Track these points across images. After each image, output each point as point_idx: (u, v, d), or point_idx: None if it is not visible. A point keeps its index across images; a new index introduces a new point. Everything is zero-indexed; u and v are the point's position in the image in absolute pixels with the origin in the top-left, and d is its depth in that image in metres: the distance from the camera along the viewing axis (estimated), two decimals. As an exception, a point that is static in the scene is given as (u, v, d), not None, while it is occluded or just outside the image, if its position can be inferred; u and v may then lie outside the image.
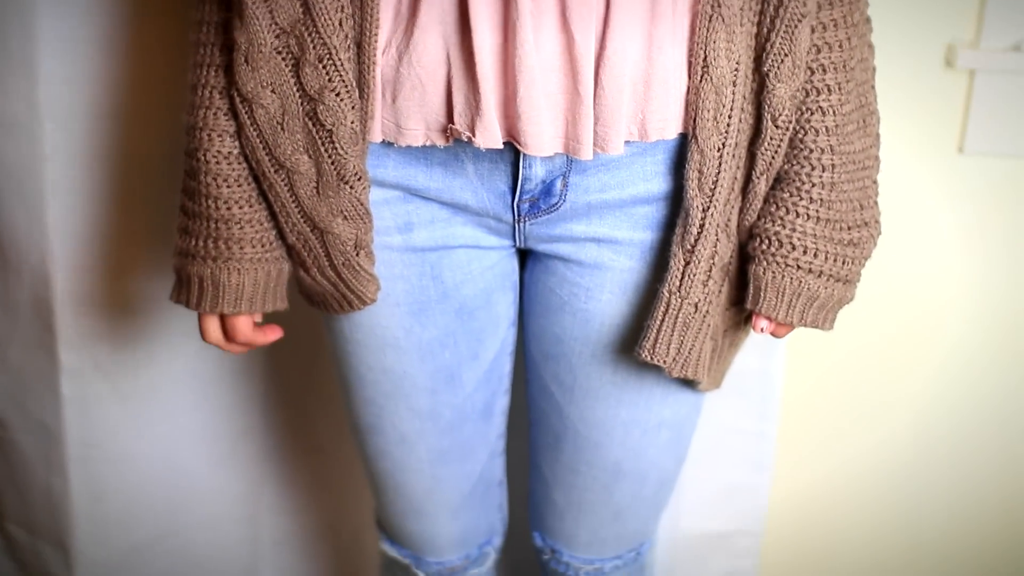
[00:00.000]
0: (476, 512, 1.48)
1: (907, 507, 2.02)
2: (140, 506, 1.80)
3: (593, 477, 1.40)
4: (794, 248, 1.20)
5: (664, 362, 1.24)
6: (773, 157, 1.19)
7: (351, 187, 1.20)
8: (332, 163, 1.18)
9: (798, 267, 1.20)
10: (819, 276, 1.21)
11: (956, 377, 1.90)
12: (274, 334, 1.33)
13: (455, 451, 1.40)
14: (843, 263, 1.21)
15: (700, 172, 1.18)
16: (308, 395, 1.79)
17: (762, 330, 1.24)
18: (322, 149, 1.18)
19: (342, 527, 1.86)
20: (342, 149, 1.17)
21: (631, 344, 1.27)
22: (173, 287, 1.29)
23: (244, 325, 1.29)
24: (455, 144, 1.19)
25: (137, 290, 1.66)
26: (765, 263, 1.21)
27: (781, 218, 1.20)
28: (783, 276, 1.20)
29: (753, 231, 1.22)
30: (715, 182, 1.18)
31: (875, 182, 1.23)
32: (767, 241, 1.21)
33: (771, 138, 1.18)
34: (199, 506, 1.84)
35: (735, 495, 1.89)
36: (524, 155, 1.19)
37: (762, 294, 1.22)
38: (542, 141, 1.14)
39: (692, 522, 1.88)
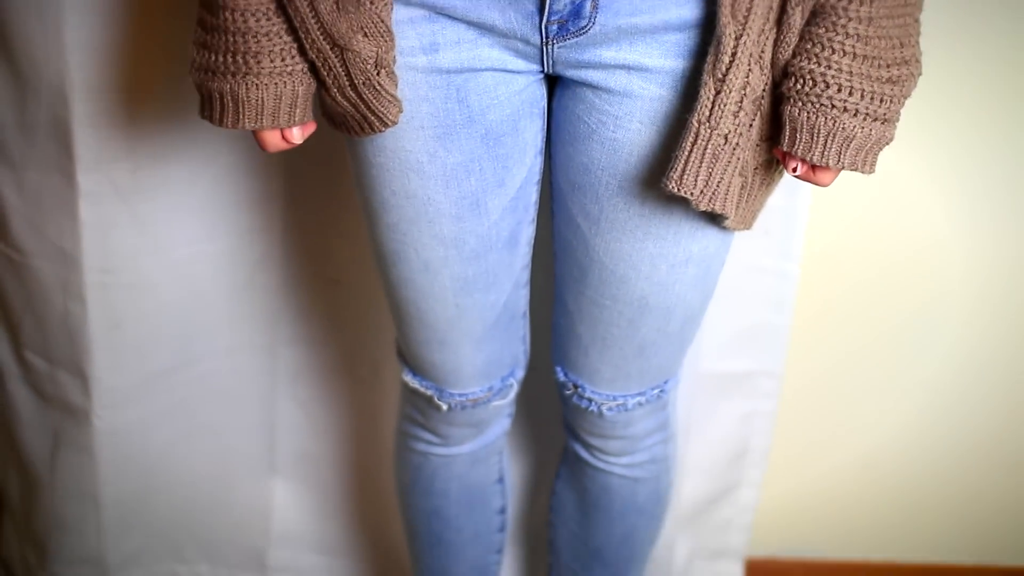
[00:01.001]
0: (499, 343, 1.47)
1: (923, 349, 2.01)
2: (158, 334, 1.79)
3: (618, 312, 1.38)
4: (828, 86, 1.15)
5: (691, 194, 1.21)
6: None
7: (371, 2, 1.16)
8: None
9: (833, 106, 1.15)
10: (855, 115, 1.16)
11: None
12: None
13: (479, 280, 1.39)
14: (881, 102, 1.16)
15: None
16: (327, 227, 1.77)
17: (795, 171, 1.21)
18: None
19: (361, 360, 1.85)
20: None
21: (659, 176, 1.25)
22: (199, 104, 1.26)
23: (272, 139, 1.26)
24: None
25: (157, 112, 1.63)
26: (800, 103, 1.17)
27: (816, 55, 1.15)
28: (818, 116, 1.16)
29: (788, 69, 1.18)
30: (748, 9, 1.14)
31: (917, 21, 1.18)
32: (801, 79, 1.16)
33: None
34: (217, 335, 1.84)
35: (756, 335, 1.88)
36: None
37: (797, 135, 1.18)
38: None
39: (712, 362, 1.87)
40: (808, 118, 1.17)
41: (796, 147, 1.18)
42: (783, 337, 1.89)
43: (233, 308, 1.82)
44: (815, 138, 1.17)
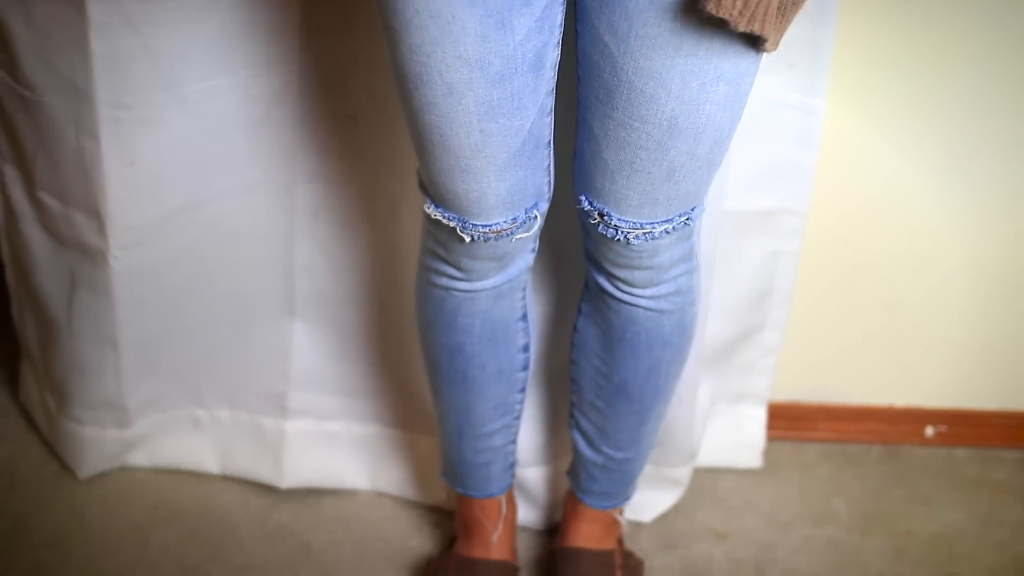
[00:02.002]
0: (524, 172, 1.43)
1: (949, 192, 1.99)
2: (173, 171, 1.77)
3: (647, 134, 1.35)
4: None
5: (730, 15, 1.18)
6: None
7: None
8: None
9: None
10: None
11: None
12: None
13: (504, 104, 1.35)
14: None
15: None
16: (344, 61, 1.73)
17: None
18: None
19: (379, 198, 1.83)
20: None
21: None
22: None
23: None
24: None
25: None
26: None
27: None
28: None
29: None
30: None
31: None
32: None
33: None
34: (233, 172, 1.81)
35: (781, 172, 1.85)
36: None
37: None
38: None
39: (735, 200, 1.85)
40: None
41: None
42: (808, 174, 1.86)
43: (249, 145, 1.79)
44: None
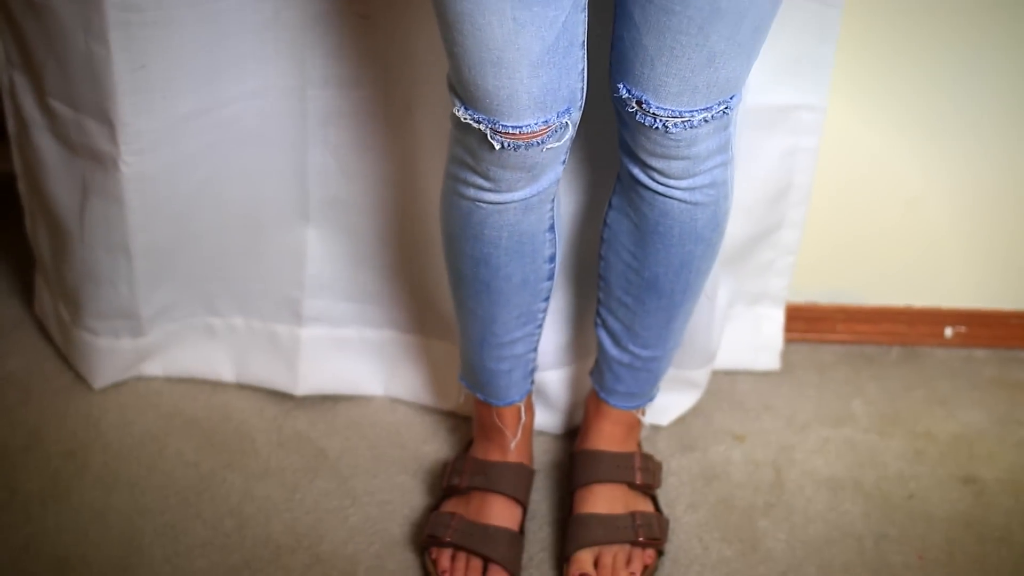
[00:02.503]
0: (557, 71, 1.40)
1: (971, 85, 1.96)
2: (184, 75, 1.75)
3: (688, 18, 1.34)
4: None
5: None
6: None
7: None
8: None
9: None
10: None
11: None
12: None
13: None
14: None
15: None
16: (355, -42, 1.71)
17: None
18: None
19: (392, 102, 1.81)
20: None
21: None
22: None
23: None
24: None
25: None
26: None
27: None
28: None
29: None
30: None
31: None
32: None
33: None
34: (244, 76, 1.79)
35: (798, 67, 1.83)
36: None
37: None
38: None
39: (753, 95, 1.82)
40: None
41: None
42: (827, 69, 1.84)
43: (259, 47, 1.77)
44: None
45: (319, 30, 1.76)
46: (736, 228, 1.94)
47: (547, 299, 1.70)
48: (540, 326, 1.73)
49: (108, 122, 1.76)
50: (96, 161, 1.82)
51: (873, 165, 2.03)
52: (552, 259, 1.64)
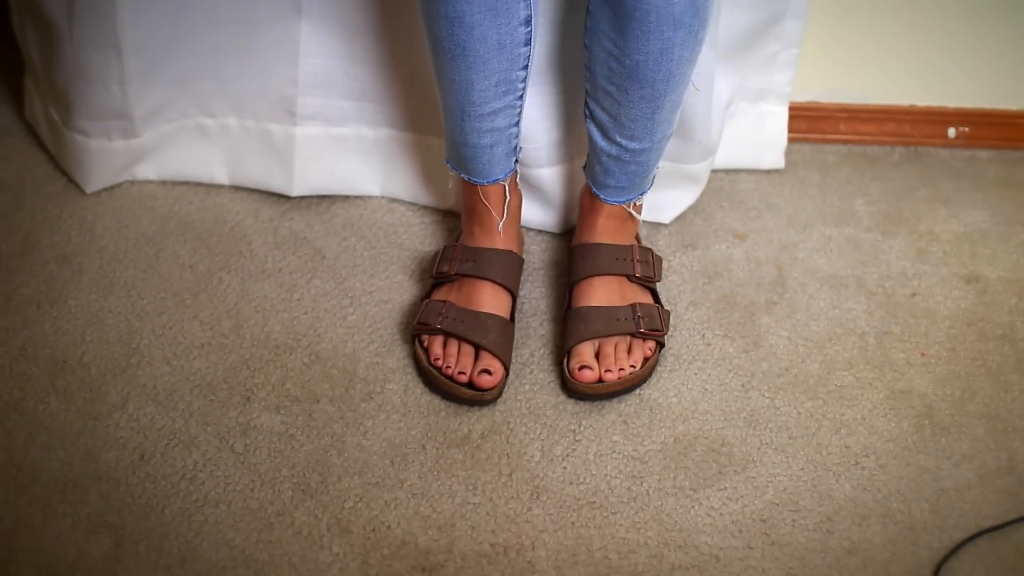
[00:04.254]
0: None
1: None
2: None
3: None
4: None
5: None
6: None
7: None
8: None
9: None
10: None
11: None
12: None
13: None
14: None
15: None
16: None
17: None
18: None
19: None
20: None
21: None
22: None
23: None
24: None
25: None
26: None
27: None
28: None
29: None
30: None
31: None
32: None
33: None
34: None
35: None
36: None
37: None
38: None
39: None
40: None
41: None
42: None
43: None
44: None
45: None
46: (737, 16, 1.90)
47: (526, 68, 1.66)
48: (520, 98, 1.70)
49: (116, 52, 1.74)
50: (84, -48, 1.78)
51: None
52: (528, 22, 1.61)
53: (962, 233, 2.02)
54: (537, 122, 1.86)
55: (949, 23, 2.05)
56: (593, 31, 1.62)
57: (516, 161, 1.79)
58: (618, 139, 1.70)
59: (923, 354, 1.82)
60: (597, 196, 1.78)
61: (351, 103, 1.97)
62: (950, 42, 2.07)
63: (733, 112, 2.03)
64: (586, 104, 1.71)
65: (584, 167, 1.80)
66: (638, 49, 1.58)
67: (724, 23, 1.85)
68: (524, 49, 1.63)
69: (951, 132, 2.16)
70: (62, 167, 2.06)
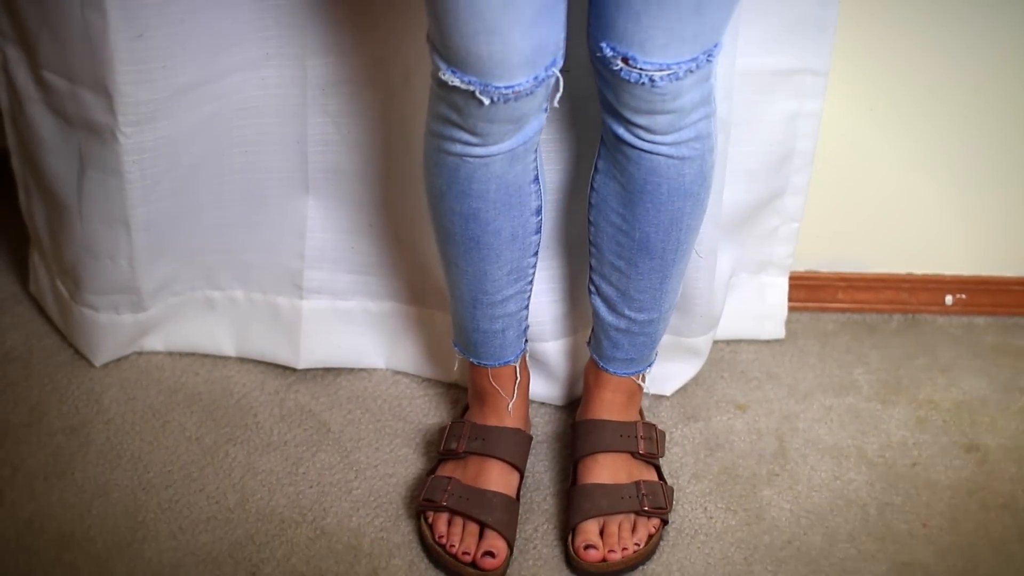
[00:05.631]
0: (546, 28, 1.41)
1: (973, 47, 1.96)
2: (183, 44, 1.74)
3: None
4: None
5: None
6: None
7: None
8: None
9: None
10: None
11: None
12: None
13: None
14: None
15: None
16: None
17: None
18: None
19: (391, 68, 1.80)
20: None
21: None
22: None
23: None
24: None
25: None
26: None
27: None
28: None
29: None
30: None
31: None
32: None
33: None
34: (244, 45, 1.78)
35: (801, 29, 1.82)
36: None
37: None
38: None
39: (756, 59, 1.82)
40: None
41: None
42: (830, 32, 1.83)
43: (259, 17, 1.76)
44: None
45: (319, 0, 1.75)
46: (739, 194, 1.94)
47: (536, 254, 1.69)
48: (531, 282, 1.72)
49: (105, 93, 1.75)
50: (93, 133, 1.81)
51: (874, 131, 2.03)
52: (539, 211, 1.64)
53: (961, 401, 2.03)
54: (541, 295, 1.88)
55: (942, 193, 2.09)
56: (599, 207, 1.64)
57: (526, 341, 1.81)
58: (627, 312, 1.72)
59: (925, 525, 1.83)
60: (605, 370, 1.80)
61: (357, 277, 1.99)
62: (944, 211, 2.10)
63: (734, 283, 2.06)
64: (590, 280, 1.73)
65: (588, 342, 1.82)
66: (648, 221, 1.61)
67: (727, 199, 1.89)
68: (535, 237, 1.67)
69: (948, 299, 2.18)
70: (69, 339, 2.08)
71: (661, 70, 1.42)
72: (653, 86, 1.44)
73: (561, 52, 1.47)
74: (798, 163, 1.96)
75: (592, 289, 1.74)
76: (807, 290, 2.17)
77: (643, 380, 1.83)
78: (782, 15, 1.80)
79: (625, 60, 1.43)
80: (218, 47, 1.76)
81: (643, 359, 1.80)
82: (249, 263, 2.00)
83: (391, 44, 1.77)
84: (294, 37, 1.78)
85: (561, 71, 1.48)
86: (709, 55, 1.44)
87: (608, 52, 1.44)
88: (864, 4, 1.89)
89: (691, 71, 1.44)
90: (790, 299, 2.14)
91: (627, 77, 1.44)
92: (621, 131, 1.53)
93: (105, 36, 1.69)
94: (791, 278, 2.13)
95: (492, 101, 1.44)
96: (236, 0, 1.73)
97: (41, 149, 1.90)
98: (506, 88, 1.43)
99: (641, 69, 1.42)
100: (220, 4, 1.73)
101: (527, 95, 1.45)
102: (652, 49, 1.41)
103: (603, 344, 1.78)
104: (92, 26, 1.69)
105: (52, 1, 1.71)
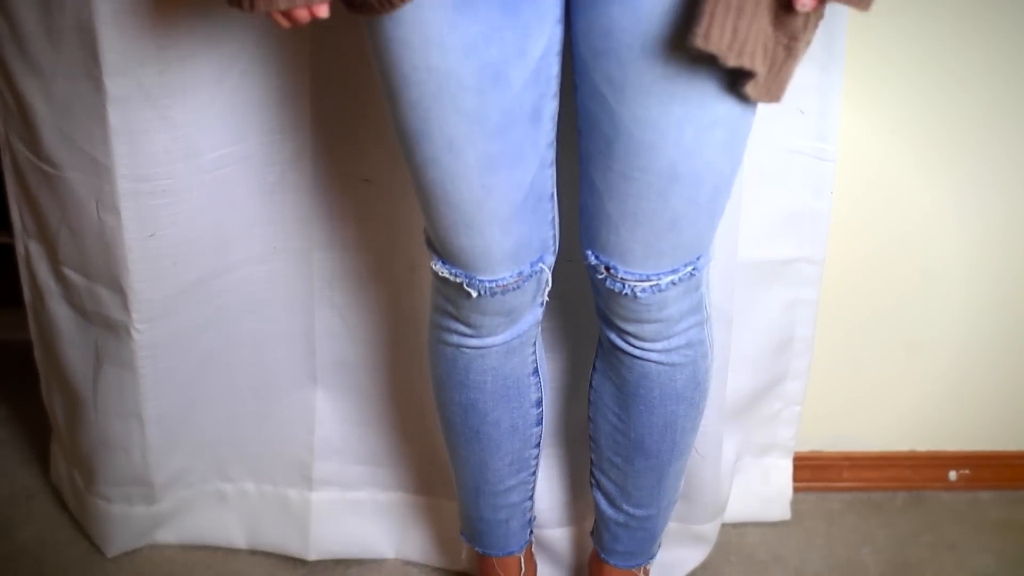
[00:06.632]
0: (527, 226, 1.45)
1: (965, 232, 2.00)
2: (193, 241, 1.79)
3: (647, 183, 1.37)
4: None
5: (719, 49, 1.20)
6: None
7: None
8: None
9: None
10: None
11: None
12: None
13: (504, 157, 1.37)
14: None
15: None
16: (356, 124, 1.76)
17: (803, 6, 1.20)
18: None
19: (396, 261, 1.85)
20: None
21: (683, 35, 1.23)
22: None
23: (300, 14, 1.27)
24: None
25: (179, 10, 1.62)
26: None
27: None
28: None
29: None
30: None
31: None
32: None
33: None
34: (251, 241, 1.84)
35: (796, 220, 1.87)
36: None
37: None
38: None
39: (752, 250, 1.86)
40: None
41: None
42: (824, 222, 1.87)
43: (265, 212, 1.82)
44: None
45: (323, 193, 1.81)
46: (741, 381, 1.97)
47: (538, 445, 1.71)
48: (534, 473, 1.74)
49: (120, 290, 1.80)
50: (109, 329, 1.86)
51: (870, 314, 2.07)
52: (539, 403, 1.67)
53: (970, 580, 2.04)
54: (546, 481, 1.90)
55: (942, 369, 2.11)
56: (597, 405, 1.67)
57: (531, 533, 1.82)
58: (625, 507, 1.72)
59: None
60: (606, 561, 1.80)
61: (365, 467, 2.02)
62: (945, 387, 2.12)
63: (739, 467, 2.08)
64: (592, 473, 1.75)
65: (592, 533, 1.83)
66: (643, 423, 1.62)
67: (729, 387, 1.92)
68: (536, 429, 1.69)
69: (952, 475, 2.19)
70: (84, 529, 2.11)
71: (642, 281, 1.46)
72: (635, 297, 1.47)
73: (551, 249, 1.51)
74: (798, 348, 1.99)
75: (593, 482, 1.75)
76: (812, 470, 2.18)
77: (647, 573, 1.83)
78: (778, 207, 1.85)
79: (608, 269, 1.47)
80: (227, 242, 1.82)
81: (644, 553, 1.80)
82: (259, 455, 2.03)
83: (397, 236, 1.83)
84: (300, 231, 1.84)
85: (566, 260, 1.53)
86: (694, 268, 1.47)
87: (592, 260, 1.48)
88: (855, 195, 1.95)
89: (673, 283, 1.46)
90: (795, 479, 2.15)
91: (611, 287, 1.48)
92: (613, 336, 1.56)
93: (119, 236, 1.75)
94: (795, 459, 2.14)
95: (480, 294, 1.48)
96: (245, 196, 1.80)
97: (60, 342, 1.95)
98: (490, 282, 1.47)
99: (623, 279, 1.46)
100: (229, 201, 1.79)
101: (514, 289, 1.49)
102: (632, 260, 1.45)
103: (604, 536, 1.78)
104: (107, 226, 1.75)
105: (70, 201, 1.77)
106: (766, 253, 1.89)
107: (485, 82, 1.31)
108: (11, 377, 2.47)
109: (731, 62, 1.22)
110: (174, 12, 1.62)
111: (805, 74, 1.68)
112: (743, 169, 1.70)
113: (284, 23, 1.28)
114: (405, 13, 1.27)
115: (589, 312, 1.72)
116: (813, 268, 1.92)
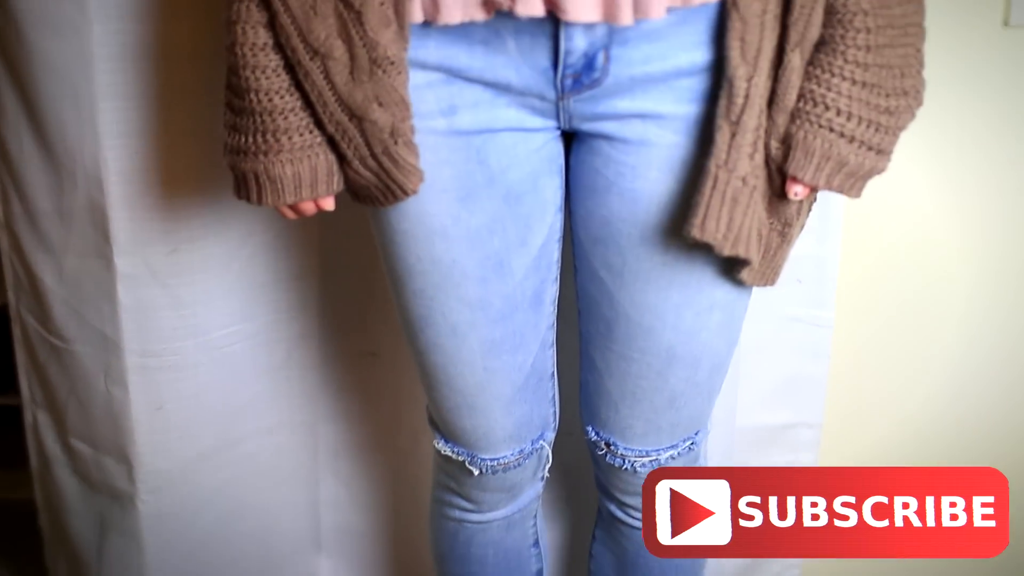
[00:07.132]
0: (529, 406, 1.47)
1: (967, 387, 2.01)
2: (200, 415, 1.81)
3: (646, 364, 1.39)
4: (828, 108, 1.19)
5: (715, 239, 1.23)
6: (805, 28, 1.18)
7: (384, 71, 1.19)
8: (364, 46, 1.18)
9: (831, 129, 1.19)
10: (851, 142, 1.19)
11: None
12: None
13: (506, 342, 1.40)
14: (876, 131, 1.20)
15: (742, 40, 1.17)
16: (362, 301, 1.79)
17: (796, 195, 1.23)
18: (353, 32, 1.18)
19: (400, 431, 1.86)
20: (372, 31, 1.17)
21: (680, 224, 1.26)
22: (233, 184, 1.29)
23: (306, 206, 1.30)
24: (495, 19, 1.18)
25: (190, 194, 1.66)
26: (799, 121, 1.20)
27: (818, 76, 1.19)
28: (815, 137, 1.19)
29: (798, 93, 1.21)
30: (758, 51, 1.18)
31: (919, 51, 1.21)
32: (804, 99, 1.19)
33: (801, 6, 1.17)
34: (258, 414, 1.85)
35: (794, 386, 1.88)
36: (564, 26, 1.18)
37: (792, 153, 1.21)
38: (582, 5, 1.14)
39: (750, 415, 1.87)
40: (804, 137, 1.20)
41: (789, 164, 1.21)
42: (821, 387, 1.89)
43: (272, 387, 1.84)
44: (808, 158, 1.21)
45: (329, 368, 1.83)
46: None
47: None
48: None
49: (126, 461, 1.81)
50: (114, 499, 1.87)
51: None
52: (540, 574, 1.67)
53: None
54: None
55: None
56: (597, 574, 1.67)
57: None
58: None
59: None
60: None
61: (369, 636, 2.01)
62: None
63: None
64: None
65: None
66: None
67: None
68: None
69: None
70: None
71: (641, 456, 1.47)
72: (635, 472, 1.48)
73: (551, 426, 1.53)
74: (797, 515, 1.99)
75: None
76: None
77: None
78: (775, 373, 1.87)
79: (608, 445, 1.48)
80: (233, 416, 1.84)
81: None
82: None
83: (401, 407, 1.84)
84: (306, 405, 1.86)
85: (566, 434, 1.54)
86: (691, 442, 1.48)
87: (593, 436, 1.50)
88: (853, 360, 1.96)
89: (673, 458, 1.48)
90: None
91: (611, 462, 1.49)
92: (613, 508, 1.57)
93: (127, 408, 1.77)
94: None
95: (482, 472, 1.50)
96: (251, 371, 1.82)
97: (65, 510, 1.95)
98: (492, 460, 1.49)
99: (623, 455, 1.47)
100: (236, 376, 1.81)
101: (515, 467, 1.50)
102: (632, 437, 1.46)
103: None
104: (115, 399, 1.77)
105: (79, 374, 1.79)
106: (765, 419, 1.90)
107: (488, 271, 1.34)
108: (15, 537, 2.46)
109: (726, 252, 1.25)
110: (185, 195, 1.66)
111: (802, 244, 1.71)
112: (741, 337, 1.72)
113: (291, 215, 1.31)
114: (409, 205, 1.30)
115: (589, 482, 1.72)
116: (811, 432, 1.93)
